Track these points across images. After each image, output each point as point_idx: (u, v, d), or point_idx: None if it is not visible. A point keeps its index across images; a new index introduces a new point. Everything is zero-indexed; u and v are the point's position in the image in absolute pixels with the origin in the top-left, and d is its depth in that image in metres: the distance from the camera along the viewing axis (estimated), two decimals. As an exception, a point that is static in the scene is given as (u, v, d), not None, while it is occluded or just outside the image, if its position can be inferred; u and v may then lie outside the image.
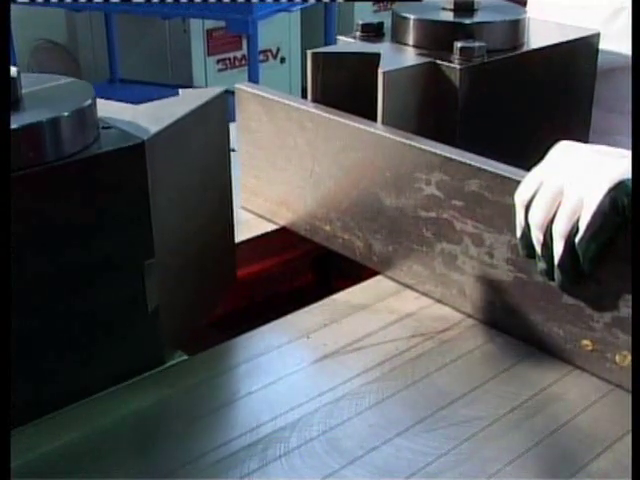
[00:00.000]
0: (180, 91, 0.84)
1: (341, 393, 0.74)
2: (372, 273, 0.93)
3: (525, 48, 0.99)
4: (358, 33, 1.04)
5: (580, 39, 1.03)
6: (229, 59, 3.26)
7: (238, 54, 3.25)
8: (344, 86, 0.95)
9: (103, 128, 0.71)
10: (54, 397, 0.71)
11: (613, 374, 0.74)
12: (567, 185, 0.71)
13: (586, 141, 1.09)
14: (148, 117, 0.75)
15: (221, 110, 0.85)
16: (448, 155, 0.81)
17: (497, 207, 0.78)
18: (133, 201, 0.71)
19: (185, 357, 0.80)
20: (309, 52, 0.95)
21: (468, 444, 0.68)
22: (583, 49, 1.04)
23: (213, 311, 0.91)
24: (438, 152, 0.82)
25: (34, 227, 0.66)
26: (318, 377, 0.77)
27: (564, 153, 0.74)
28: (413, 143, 0.84)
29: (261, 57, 3.18)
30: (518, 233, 0.75)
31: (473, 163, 0.80)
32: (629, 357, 0.72)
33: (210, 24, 3.09)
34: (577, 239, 0.70)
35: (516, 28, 0.98)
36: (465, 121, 0.93)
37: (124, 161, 0.69)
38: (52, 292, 0.69)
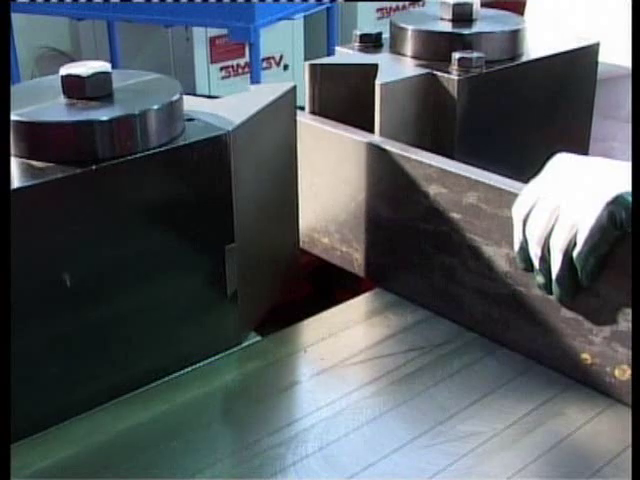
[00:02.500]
0: (250, 87, 0.89)
1: (338, 408, 0.74)
2: (371, 285, 0.93)
3: (524, 58, 0.98)
4: (356, 44, 1.03)
5: (580, 49, 1.03)
6: (232, 67, 3.26)
7: (241, 61, 3.25)
8: (342, 97, 0.94)
9: (187, 120, 0.75)
10: (138, 378, 0.75)
11: (612, 388, 0.73)
12: (565, 199, 0.70)
13: (586, 150, 1.09)
14: (227, 110, 0.78)
15: (291, 105, 0.87)
16: (445, 167, 0.81)
17: (495, 220, 0.77)
18: (217, 189, 0.75)
19: (259, 338, 0.84)
20: (306, 64, 0.95)
21: (466, 460, 0.68)
22: (583, 59, 1.04)
23: (281, 297, 0.93)
24: (435, 164, 0.81)
25: (123, 213, 0.70)
26: (315, 392, 0.77)
27: (561, 166, 0.74)
28: (411, 155, 0.84)
29: (264, 64, 3.18)
30: (516, 247, 0.74)
31: (470, 175, 0.79)
32: (629, 371, 0.71)
33: (213, 32, 3.09)
34: (575, 253, 0.69)
35: (515, 38, 0.98)
36: (464, 132, 0.93)
37: (210, 151, 0.73)
38: (136, 276, 0.73)
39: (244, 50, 3.12)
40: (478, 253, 0.80)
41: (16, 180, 0.66)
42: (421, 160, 0.83)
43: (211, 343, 0.80)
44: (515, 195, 0.75)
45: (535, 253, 0.72)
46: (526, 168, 0.97)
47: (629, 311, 0.70)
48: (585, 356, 0.74)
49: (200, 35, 3.09)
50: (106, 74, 0.72)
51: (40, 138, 0.68)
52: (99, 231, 0.69)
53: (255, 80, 2.38)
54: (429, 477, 0.66)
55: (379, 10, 3.54)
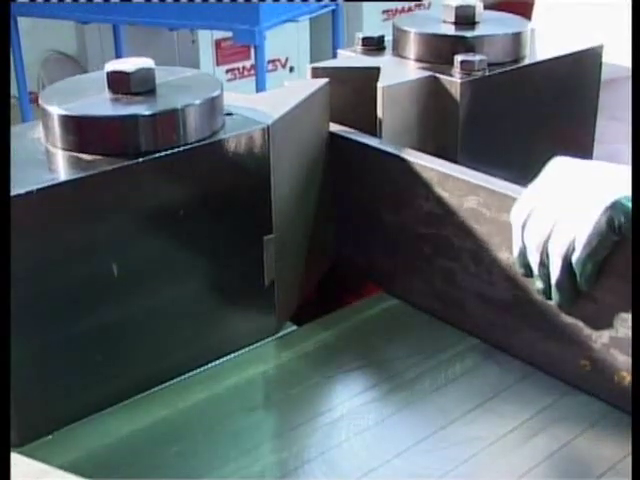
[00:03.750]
0: (286, 82, 0.92)
1: (339, 414, 0.73)
2: (374, 288, 0.92)
3: (527, 61, 0.98)
4: (359, 47, 1.03)
5: (584, 51, 1.02)
6: (238, 69, 3.26)
7: (247, 64, 3.25)
8: (345, 100, 0.94)
9: (226, 115, 0.77)
10: (175, 367, 0.77)
11: (612, 395, 0.72)
12: (563, 204, 0.70)
13: (591, 152, 1.08)
14: (264, 105, 0.80)
15: (324, 100, 0.89)
16: (446, 171, 0.80)
17: (495, 224, 0.77)
18: (256, 181, 0.77)
19: (294, 327, 0.86)
20: (309, 67, 0.95)
21: (468, 465, 0.67)
22: (586, 61, 1.03)
23: (314, 288, 0.95)
24: (436, 168, 0.81)
25: (165, 204, 0.72)
26: (317, 397, 0.77)
27: (559, 170, 0.73)
28: (412, 159, 0.83)
29: (270, 67, 3.18)
30: (515, 252, 0.74)
31: (471, 180, 0.79)
32: (628, 378, 0.70)
33: (219, 34, 3.09)
34: (574, 258, 0.69)
35: (518, 41, 0.97)
36: (466, 135, 0.92)
37: (250, 144, 0.75)
38: (177, 266, 0.75)
39: (249, 52, 3.12)
40: (478, 257, 0.79)
41: (65, 172, 0.68)
42: (422, 164, 0.82)
43: (249, 332, 0.82)
44: (514, 199, 0.74)
45: (534, 258, 0.72)
46: (530, 170, 0.96)
47: (628, 317, 0.69)
48: (584, 362, 0.74)
49: (206, 38, 3.09)
50: (150, 70, 0.74)
51: (87, 132, 0.70)
52: (144, 222, 0.72)
53: (260, 82, 2.38)
54: (430, 482, 0.66)
55: (385, 12, 3.53)
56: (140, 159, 0.69)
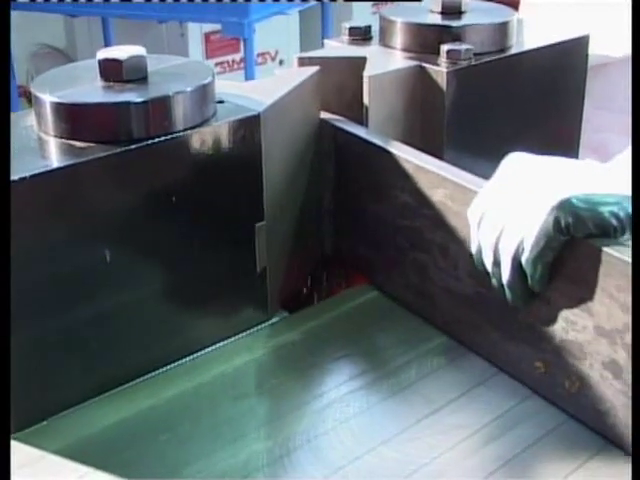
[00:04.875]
0: (276, 71, 0.92)
1: (326, 402, 0.74)
2: (361, 279, 0.92)
3: (513, 50, 0.97)
4: (346, 37, 1.03)
5: (570, 41, 1.02)
6: (228, 62, 3.25)
7: (237, 57, 3.24)
8: (331, 90, 0.94)
9: (218, 102, 0.77)
10: (168, 354, 0.78)
11: (562, 400, 0.71)
12: (514, 203, 0.67)
13: (578, 142, 1.08)
14: (256, 93, 0.81)
15: (315, 88, 0.90)
16: (418, 163, 0.79)
17: (460, 218, 0.75)
18: (248, 168, 0.77)
19: (286, 314, 0.86)
20: (295, 56, 0.95)
21: (452, 452, 0.68)
22: (573, 51, 1.03)
23: (307, 277, 0.95)
24: (410, 159, 0.80)
25: (157, 191, 0.72)
26: (303, 385, 0.77)
27: (514, 167, 0.71)
28: (389, 148, 0.83)
29: (260, 60, 3.17)
30: (473, 249, 0.72)
31: (438, 172, 0.77)
32: (577, 384, 0.68)
33: (208, 27, 3.08)
34: (523, 259, 0.67)
35: (504, 30, 0.97)
36: (452, 124, 0.92)
37: (242, 131, 0.75)
38: (168, 254, 0.75)
39: (239, 45, 3.12)
40: (446, 251, 0.78)
41: (58, 159, 0.68)
42: (397, 154, 0.81)
43: (241, 320, 0.82)
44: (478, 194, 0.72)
45: (487, 257, 0.70)
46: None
47: (578, 320, 0.67)
48: (539, 364, 0.72)
49: (195, 31, 3.09)
50: (142, 58, 0.75)
51: (80, 119, 0.71)
52: (136, 209, 0.72)
53: (249, 76, 2.38)
54: (415, 469, 0.66)
55: (375, 5, 3.53)
56: (132, 146, 0.69)
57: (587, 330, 0.67)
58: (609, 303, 0.64)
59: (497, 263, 0.69)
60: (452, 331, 0.81)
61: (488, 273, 0.71)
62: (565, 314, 0.68)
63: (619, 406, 0.66)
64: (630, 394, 0.64)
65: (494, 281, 0.71)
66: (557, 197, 0.64)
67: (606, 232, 0.63)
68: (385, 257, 0.87)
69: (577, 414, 0.70)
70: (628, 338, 0.63)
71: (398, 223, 0.83)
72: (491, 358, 0.77)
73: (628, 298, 0.62)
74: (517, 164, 0.71)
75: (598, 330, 0.66)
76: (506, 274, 0.68)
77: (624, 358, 0.64)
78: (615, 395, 0.66)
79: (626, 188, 0.64)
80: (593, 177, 0.67)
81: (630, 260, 0.61)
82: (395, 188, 0.82)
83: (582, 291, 0.66)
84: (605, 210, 0.63)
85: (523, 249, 0.66)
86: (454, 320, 0.80)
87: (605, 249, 0.63)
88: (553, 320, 0.69)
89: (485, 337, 0.77)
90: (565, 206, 0.64)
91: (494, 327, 0.76)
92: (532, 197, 0.66)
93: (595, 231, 0.63)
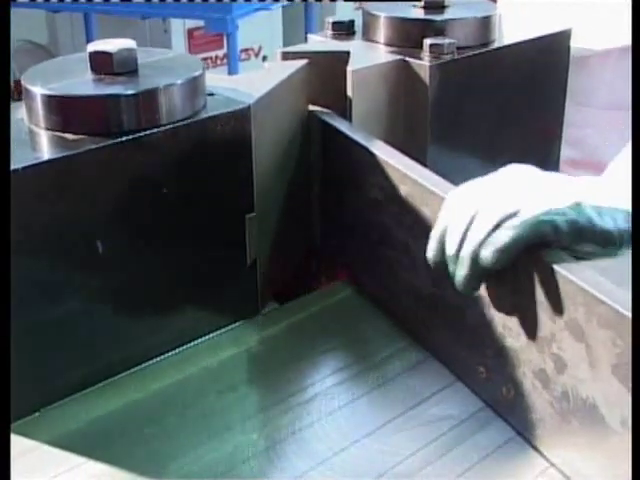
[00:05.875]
0: (266, 64, 0.92)
1: (311, 394, 0.74)
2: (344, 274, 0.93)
3: (496, 44, 0.98)
4: (329, 31, 1.03)
5: (552, 35, 1.03)
6: (211, 58, 3.25)
7: (220, 53, 3.24)
8: (314, 85, 0.94)
9: (208, 95, 0.78)
10: (159, 344, 0.79)
11: (501, 407, 0.70)
12: (499, 195, 0.65)
13: (560, 136, 1.09)
14: (245, 85, 0.81)
15: (304, 81, 0.90)
16: (384, 157, 0.79)
17: (419, 216, 0.74)
18: (238, 160, 0.78)
19: (276, 306, 0.87)
20: (278, 51, 0.95)
21: (437, 443, 0.68)
22: (555, 44, 1.04)
23: (297, 268, 0.96)
24: (378, 154, 0.80)
25: (148, 183, 0.73)
26: (288, 378, 0.77)
27: (508, 175, 0.68)
28: (363, 142, 0.83)
29: (243, 55, 3.18)
30: (436, 233, 0.68)
31: (401, 168, 0.77)
32: (512, 392, 0.68)
33: (191, 23, 3.08)
34: (496, 242, 0.63)
35: (487, 25, 0.98)
36: (436, 118, 0.93)
37: (232, 123, 0.76)
38: (159, 244, 0.75)
39: (222, 41, 3.12)
40: (408, 249, 0.78)
41: (49, 152, 0.69)
42: (370, 149, 0.81)
43: (231, 311, 0.83)
44: (433, 194, 0.71)
45: (453, 236, 0.66)
46: (498, 153, 0.97)
47: (513, 326, 0.66)
48: (481, 369, 0.71)
49: (178, 27, 3.09)
50: (132, 51, 0.75)
51: (70, 111, 0.71)
52: (127, 200, 0.72)
53: (233, 71, 2.38)
54: (401, 461, 0.66)
55: (357, 1, 3.54)
56: (123, 138, 0.70)
57: (521, 337, 0.66)
58: (539, 311, 0.63)
59: (461, 243, 0.65)
60: (410, 329, 0.80)
61: (442, 264, 0.67)
62: (503, 319, 0.68)
63: (547, 417, 0.65)
64: (556, 405, 0.64)
65: (451, 266, 0.66)
66: (528, 215, 0.62)
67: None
68: (361, 252, 0.87)
69: (512, 422, 0.69)
70: (555, 348, 0.62)
71: (370, 218, 0.83)
72: (442, 359, 0.76)
73: (556, 307, 0.61)
74: (513, 173, 0.69)
75: (529, 338, 0.65)
76: (467, 254, 0.64)
77: (551, 368, 0.63)
78: (543, 405, 0.65)
79: (625, 202, 0.63)
80: (589, 192, 0.65)
81: (561, 269, 0.60)
82: (368, 182, 0.83)
83: (517, 297, 0.65)
84: (546, 219, 0.62)
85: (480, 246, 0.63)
86: (414, 319, 0.80)
87: (539, 256, 0.62)
88: (493, 324, 0.68)
89: (437, 338, 0.77)
90: (561, 212, 0.63)
91: (447, 328, 0.75)
92: (510, 205, 0.64)
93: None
